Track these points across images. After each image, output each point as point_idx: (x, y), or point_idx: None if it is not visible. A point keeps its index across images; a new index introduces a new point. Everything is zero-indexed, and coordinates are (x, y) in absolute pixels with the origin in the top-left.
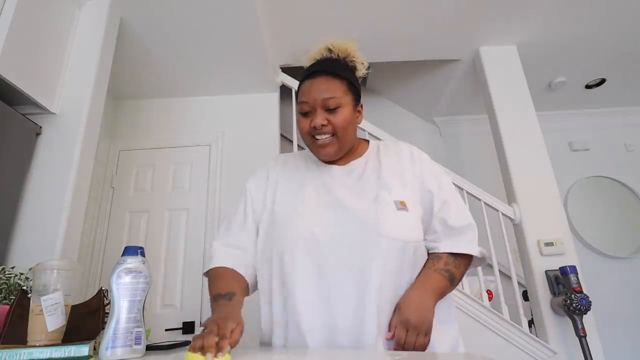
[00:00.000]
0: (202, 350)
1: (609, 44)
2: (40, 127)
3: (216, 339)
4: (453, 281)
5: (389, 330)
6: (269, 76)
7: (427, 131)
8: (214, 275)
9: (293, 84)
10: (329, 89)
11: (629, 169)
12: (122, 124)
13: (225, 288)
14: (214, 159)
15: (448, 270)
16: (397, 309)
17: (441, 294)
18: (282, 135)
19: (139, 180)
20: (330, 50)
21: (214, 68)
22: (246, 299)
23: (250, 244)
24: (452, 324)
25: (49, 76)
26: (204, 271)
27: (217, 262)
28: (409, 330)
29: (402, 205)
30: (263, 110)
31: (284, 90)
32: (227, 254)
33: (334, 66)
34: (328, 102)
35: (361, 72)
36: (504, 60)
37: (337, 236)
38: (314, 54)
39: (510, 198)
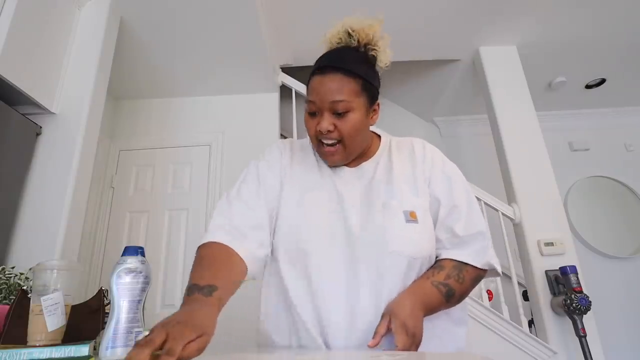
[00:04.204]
0: None
1: (609, 44)
2: (40, 127)
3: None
4: (450, 298)
5: (373, 337)
6: (269, 76)
7: (427, 131)
8: (202, 257)
9: (293, 84)
10: (339, 90)
11: (629, 169)
12: (122, 124)
13: (209, 278)
14: (214, 158)
15: (447, 284)
16: (392, 314)
17: (431, 310)
18: (282, 135)
19: (139, 180)
20: (350, 35)
21: (214, 68)
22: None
23: (255, 229)
24: (463, 327)
25: (49, 76)
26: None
27: (212, 237)
28: (408, 334)
29: (411, 217)
30: (263, 110)
31: (284, 90)
32: (227, 233)
33: (348, 60)
34: (336, 105)
35: (384, 62)
36: (504, 60)
37: (342, 249)
38: (330, 37)
39: (510, 198)
